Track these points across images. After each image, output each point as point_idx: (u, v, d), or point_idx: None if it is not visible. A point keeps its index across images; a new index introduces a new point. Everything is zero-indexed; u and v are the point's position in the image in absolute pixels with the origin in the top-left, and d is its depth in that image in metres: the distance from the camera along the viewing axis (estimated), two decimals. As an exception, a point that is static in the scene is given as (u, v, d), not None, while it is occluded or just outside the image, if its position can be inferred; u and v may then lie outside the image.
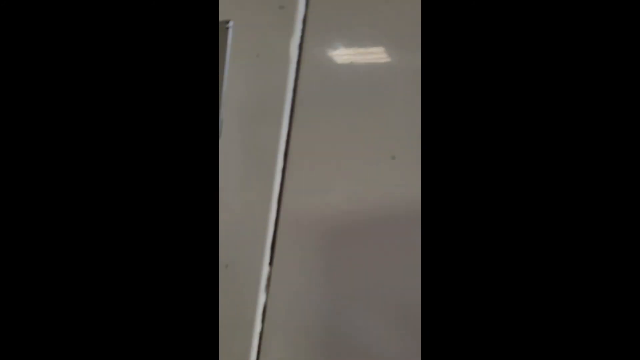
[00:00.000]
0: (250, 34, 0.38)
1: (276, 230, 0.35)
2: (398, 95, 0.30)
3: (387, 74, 0.31)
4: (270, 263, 0.35)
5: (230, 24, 0.38)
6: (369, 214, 0.32)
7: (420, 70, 0.28)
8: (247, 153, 0.38)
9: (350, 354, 0.32)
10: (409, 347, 0.30)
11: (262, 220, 0.35)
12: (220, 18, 0.39)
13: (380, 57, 0.32)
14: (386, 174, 0.31)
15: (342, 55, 0.32)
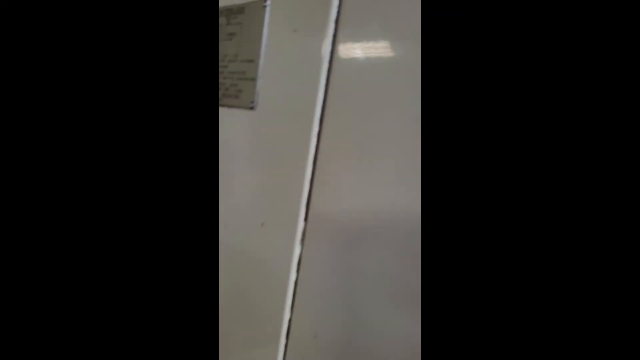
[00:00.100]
0: (287, 11, 0.41)
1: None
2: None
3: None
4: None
5: (268, 2, 0.42)
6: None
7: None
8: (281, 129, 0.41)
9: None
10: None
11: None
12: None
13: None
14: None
15: (378, 37, 0.35)
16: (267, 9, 0.42)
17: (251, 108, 0.43)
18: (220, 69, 0.47)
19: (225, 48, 0.46)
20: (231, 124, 0.45)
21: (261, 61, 0.42)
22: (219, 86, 0.47)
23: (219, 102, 0.46)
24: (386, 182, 0.33)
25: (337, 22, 0.37)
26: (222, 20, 0.47)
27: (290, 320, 0.38)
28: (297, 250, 0.38)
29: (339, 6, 0.36)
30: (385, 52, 0.33)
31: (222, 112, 0.46)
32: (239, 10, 0.45)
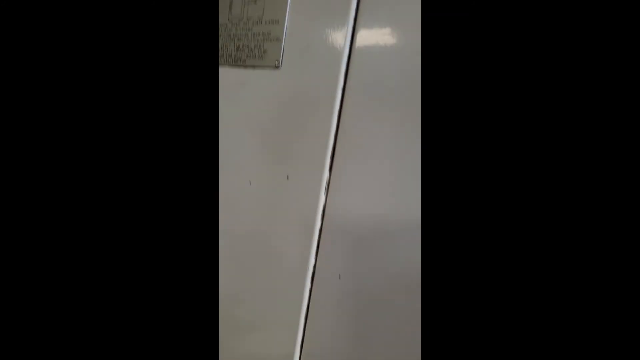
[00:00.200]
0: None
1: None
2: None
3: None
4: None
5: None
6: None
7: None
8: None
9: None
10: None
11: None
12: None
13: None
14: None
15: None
16: (293, -29, 0.43)
17: (276, 67, 0.44)
18: (244, 32, 0.48)
19: (250, 11, 0.48)
20: (255, 84, 0.47)
21: (287, 21, 0.43)
22: (243, 48, 0.48)
23: (243, 64, 0.48)
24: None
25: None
26: (246, -16, 0.48)
27: (315, 266, 0.41)
28: (322, 199, 0.40)
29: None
30: (410, 10, 0.35)
31: (246, 73, 0.48)
32: (264, -27, 0.46)
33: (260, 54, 0.46)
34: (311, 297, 0.41)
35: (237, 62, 0.49)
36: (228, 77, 0.50)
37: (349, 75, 0.38)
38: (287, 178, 0.43)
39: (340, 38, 0.39)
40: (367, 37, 0.38)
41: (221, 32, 0.51)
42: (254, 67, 0.47)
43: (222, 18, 0.50)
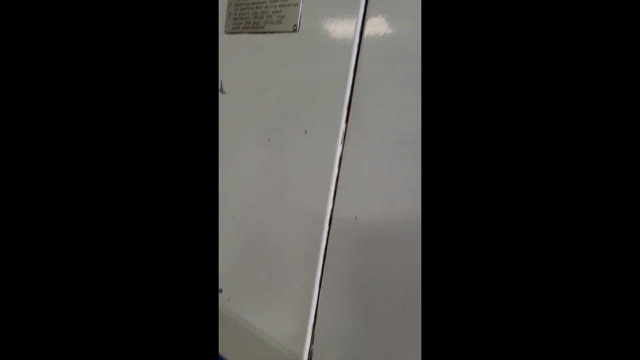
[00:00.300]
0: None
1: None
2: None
3: None
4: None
5: None
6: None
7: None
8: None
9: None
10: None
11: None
12: None
13: None
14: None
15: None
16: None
17: (294, 30, 0.48)
18: (262, 0, 0.51)
19: (267, -20, 0.51)
20: (274, 47, 0.50)
21: (303, -13, 0.47)
22: (261, 15, 0.51)
23: (262, 30, 0.51)
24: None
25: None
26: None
27: (332, 210, 0.44)
28: (338, 149, 0.43)
29: None
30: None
31: (265, 38, 0.51)
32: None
33: (279, 19, 0.50)
34: (328, 242, 0.45)
35: (256, 29, 0.52)
36: (247, 43, 0.53)
37: (364, 33, 0.42)
38: (305, 132, 0.46)
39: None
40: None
41: (239, 2, 0.54)
42: (272, 32, 0.50)
43: (242, -13, 0.53)
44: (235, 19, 0.54)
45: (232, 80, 0.55)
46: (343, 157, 0.43)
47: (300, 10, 0.47)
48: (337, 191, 0.44)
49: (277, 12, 0.50)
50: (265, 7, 0.51)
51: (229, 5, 0.55)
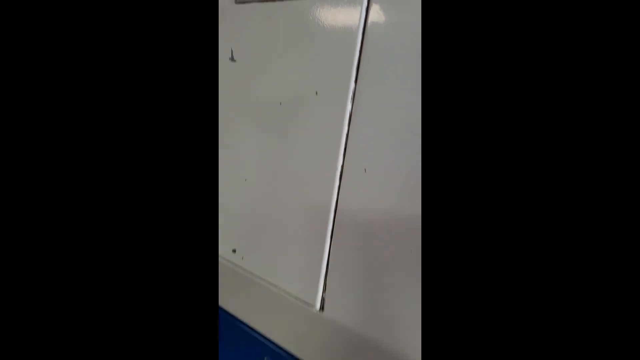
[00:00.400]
0: None
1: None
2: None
3: None
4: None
5: None
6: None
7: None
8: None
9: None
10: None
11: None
12: None
13: None
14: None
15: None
16: None
17: (304, -3, 0.50)
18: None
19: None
20: (282, 16, 0.52)
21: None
22: (271, -16, 0.54)
23: (271, -1, 0.53)
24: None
25: None
26: None
27: (344, 159, 0.47)
28: (348, 107, 0.46)
29: None
30: None
31: (273, 6, 0.53)
32: None
33: (289, -13, 0.52)
34: (340, 191, 0.48)
35: (266, -3, 0.54)
36: (255, 12, 0.55)
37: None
38: (316, 94, 0.49)
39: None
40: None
41: (249, -27, 0.56)
42: (281, 0, 0.53)
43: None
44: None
45: (243, 49, 0.57)
46: (353, 114, 0.46)
47: (309, -23, 0.50)
48: (347, 146, 0.46)
49: (287, -20, 0.52)
50: (275, -24, 0.53)
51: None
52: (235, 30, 0.57)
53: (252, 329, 0.64)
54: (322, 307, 0.50)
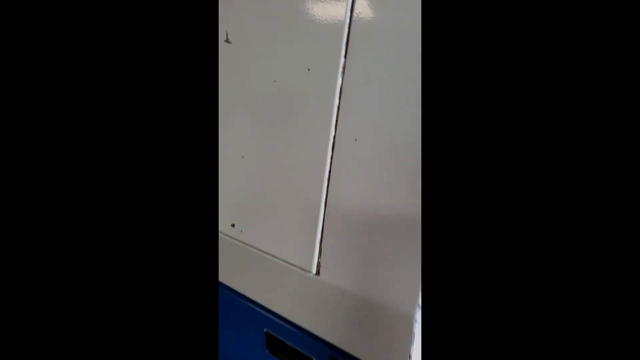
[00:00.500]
0: None
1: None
2: None
3: None
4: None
5: None
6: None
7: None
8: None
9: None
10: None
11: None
12: None
13: None
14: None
15: None
16: None
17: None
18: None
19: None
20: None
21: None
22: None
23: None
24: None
25: None
26: None
27: (336, 130, 0.50)
28: (339, 82, 0.49)
29: None
30: None
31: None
32: None
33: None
34: (332, 161, 0.50)
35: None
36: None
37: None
38: (308, 70, 0.52)
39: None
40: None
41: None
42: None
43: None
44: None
45: (237, 31, 0.60)
46: (343, 87, 0.49)
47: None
48: (338, 117, 0.49)
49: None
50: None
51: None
52: (228, 14, 0.59)
53: (251, 301, 0.66)
54: (318, 272, 0.53)
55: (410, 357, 0.47)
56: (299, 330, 0.62)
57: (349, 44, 0.48)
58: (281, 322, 0.64)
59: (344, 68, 0.49)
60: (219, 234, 0.65)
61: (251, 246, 0.60)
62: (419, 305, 0.45)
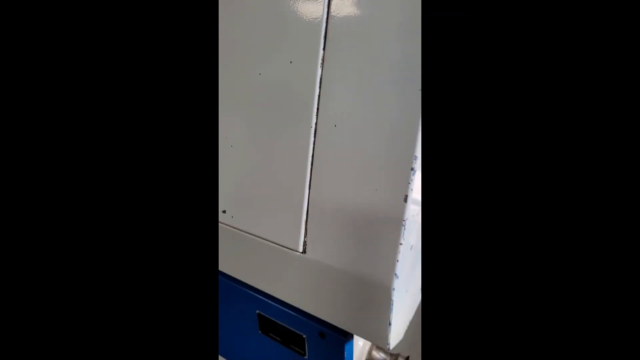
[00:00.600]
0: None
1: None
2: None
3: None
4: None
5: None
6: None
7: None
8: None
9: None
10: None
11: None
12: None
13: None
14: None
15: None
16: None
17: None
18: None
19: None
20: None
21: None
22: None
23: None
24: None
25: None
26: None
27: (317, 117, 0.54)
28: (318, 73, 0.53)
29: None
30: None
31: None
32: None
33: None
34: (315, 146, 0.54)
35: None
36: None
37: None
38: (290, 62, 0.56)
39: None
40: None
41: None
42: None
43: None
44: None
45: (225, 28, 0.63)
46: (323, 79, 0.53)
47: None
48: (319, 105, 0.53)
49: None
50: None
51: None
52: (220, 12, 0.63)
53: (244, 284, 0.70)
54: (304, 250, 0.57)
55: (390, 323, 0.51)
56: (289, 309, 0.66)
57: (327, 39, 0.52)
58: (272, 302, 0.68)
59: (322, 60, 0.53)
60: (211, 221, 0.68)
61: (242, 230, 0.64)
62: (395, 275, 0.49)
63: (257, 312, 0.72)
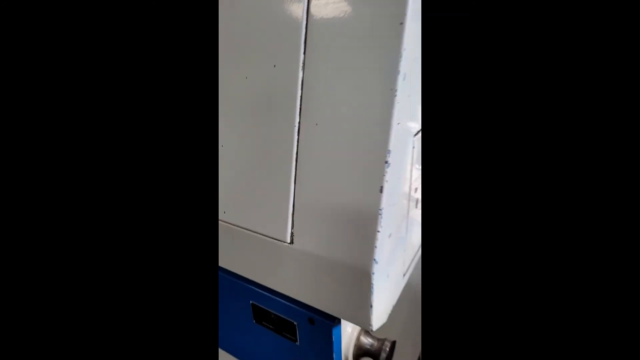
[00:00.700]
0: None
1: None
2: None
3: None
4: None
5: None
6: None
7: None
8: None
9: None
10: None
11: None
12: None
13: None
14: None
15: None
16: None
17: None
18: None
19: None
20: None
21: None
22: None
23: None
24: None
25: None
26: None
27: (300, 116, 0.58)
28: (300, 76, 0.57)
29: None
30: None
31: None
32: None
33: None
34: (299, 144, 0.58)
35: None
36: None
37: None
38: (274, 66, 0.59)
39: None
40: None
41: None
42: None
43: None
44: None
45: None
46: (304, 80, 0.57)
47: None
48: (302, 104, 0.57)
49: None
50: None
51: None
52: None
53: (238, 277, 0.74)
54: (292, 241, 0.61)
55: (371, 306, 0.55)
56: (281, 298, 0.70)
57: (307, 44, 0.56)
58: (265, 292, 0.72)
59: (303, 63, 0.57)
60: (205, 217, 0.72)
61: (235, 225, 0.68)
62: (375, 260, 0.53)
63: (251, 302, 0.76)
